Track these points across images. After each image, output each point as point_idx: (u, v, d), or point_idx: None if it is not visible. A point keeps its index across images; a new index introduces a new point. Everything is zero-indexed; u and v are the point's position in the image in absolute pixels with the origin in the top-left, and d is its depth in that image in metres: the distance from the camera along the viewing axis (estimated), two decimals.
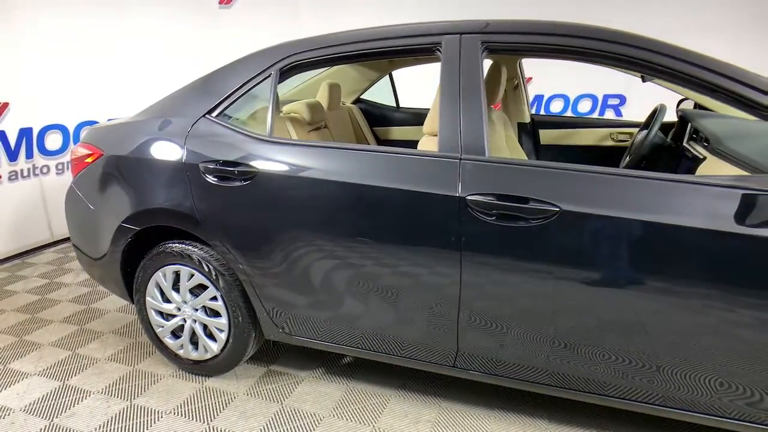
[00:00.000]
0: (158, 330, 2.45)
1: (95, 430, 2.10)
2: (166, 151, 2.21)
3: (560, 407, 2.15)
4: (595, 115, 5.83)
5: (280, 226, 2.02)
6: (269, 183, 2.02)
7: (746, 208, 1.49)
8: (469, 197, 1.73)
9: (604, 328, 1.69)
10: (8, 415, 2.20)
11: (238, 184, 2.06)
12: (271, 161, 2.03)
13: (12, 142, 3.87)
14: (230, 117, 2.21)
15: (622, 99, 5.69)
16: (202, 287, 2.29)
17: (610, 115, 5.76)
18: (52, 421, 2.16)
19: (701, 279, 1.54)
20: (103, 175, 2.37)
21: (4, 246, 3.92)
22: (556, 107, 6.00)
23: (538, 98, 6.06)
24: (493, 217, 1.71)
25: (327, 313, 2.09)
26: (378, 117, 3.64)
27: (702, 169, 2.04)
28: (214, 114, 2.20)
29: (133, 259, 2.42)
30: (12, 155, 3.87)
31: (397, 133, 3.58)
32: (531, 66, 5.81)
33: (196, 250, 2.24)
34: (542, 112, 6.03)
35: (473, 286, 1.79)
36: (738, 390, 1.61)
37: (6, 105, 3.81)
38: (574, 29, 1.77)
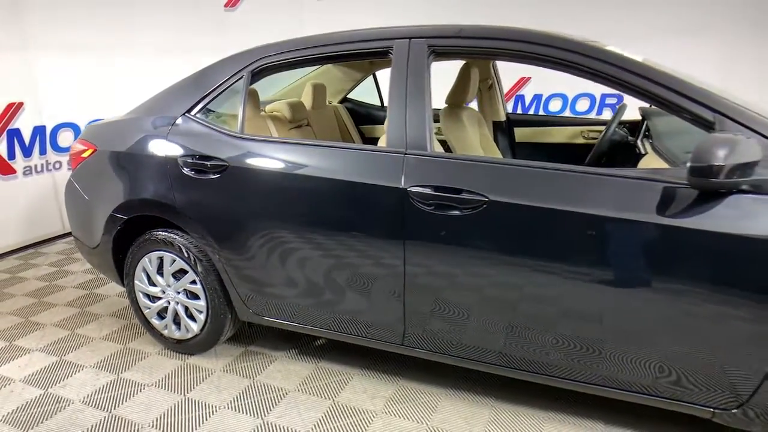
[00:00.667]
0: (146, 311, 2.66)
1: (84, 398, 2.32)
2: (151, 146, 2.42)
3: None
4: (593, 115, 5.90)
5: (247, 215, 2.21)
6: (238, 176, 2.21)
7: (656, 199, 1.62)
8: (410, 188, 1.89)
9: (530, 308, 1.83)
10: (8, 384, 2.44)
11: (211, 177, 2.26)
12: (241, 156, 2.22)
13: (26, 139, 4.15)
14: (207, 115, 2.40)
15: (619, 98, 5.75)
16: (183, 272, 2.50)
17: (607, 114, 5.83)
18: (46, 390, 2.39)
19: (610, 264, 1.68)
20: (97, 168, 2.60)
21: (20, 236, 4.21)
22: (555, 106, 6.08)
23: (537, 98, 6.15)
24: (432, 207, 1.87)
25: (290, 295, 2.27)
26: (364, 116, 3.81)
27: (642, 163, 2.16)
28: (193, 112, 2.41)
29: (124, 246, 2.63)
30: (26, 151, 4.16)
31: (382, 130, 3.74)
32: (530, 66, 5.92)
33: (177, 237, 2.45)
34: (541, 112, 6.12)
35: (415, 271, 1.95)
36: (663, 370, 1.74)
37: (21, 105, 4.09)
38: (506, 33, 1.92)
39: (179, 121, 2.41)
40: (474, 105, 3.40)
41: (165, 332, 2.65)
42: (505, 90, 6.08)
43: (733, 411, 1.70)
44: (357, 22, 5.51)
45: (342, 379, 2.42)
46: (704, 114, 1.63)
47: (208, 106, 2.40)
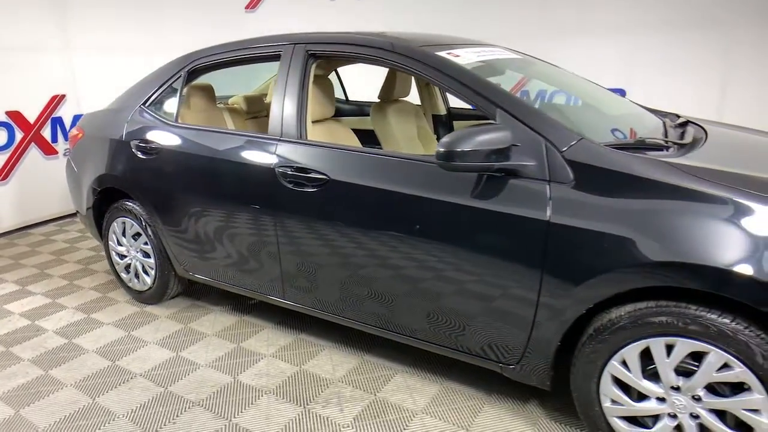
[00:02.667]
0: (117, 267, 3.27)
1: (55, 329, 2.95)
2: (115, 132, 2.99)
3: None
4: None
5: (172, 189, 2.73)
6: (167, 157, 2.73)
7: (441, 180, 1.93)
8: (277, 169, 2.31)
9: (364, 272, 2.19)
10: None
11: (151, 157, 2.79)
12: (170, 141, 2.73)
13: (67, 125, 4.96)
14: (154, 107, 2.94)
15: (622, 93, 5.74)
16: (139, 235, 3.06)
17: None
18: (34, 322, 3.05)
19: (406, 232, 2.02)
20: (84, 149, 3.23)
21: (59, 208, 5.03)
22: (559, 102, 6.15)
23: (542, 93, 6.24)
24: (292, 184, 2.27)
25: (204, 256, 2.76)
26: None
27: None
28: (146, 105, 2.95)
29: (102, 212, 3.24)
30: (67, 136, 4.96)
31: (346, 123, 4.13)
32: None
33: (135, 206, 3.01)
34: None
35: (284, 238, 2.37)
36: (459, 327, 2.04)
37: (63, 96, 4.90)
38: (354, 39, 2.28)
39: (135, 111, 2.97)
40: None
41: (130, 284, 3.24)
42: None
43: (511, 367, 1.98)
44: (369, 22, 5.89)
45: (253, 330, 2.87)
46: (488, 107, 1.91)
47: (155, 100, 2.94)
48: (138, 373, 2.51)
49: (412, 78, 3.27)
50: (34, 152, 4.78)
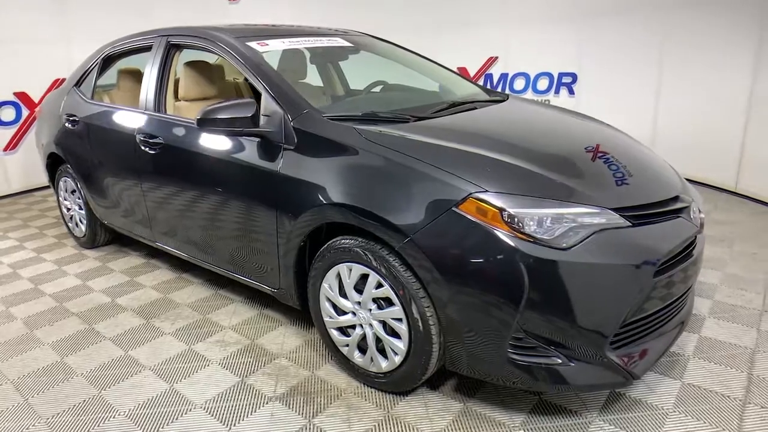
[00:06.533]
0: (65, 218, 4.05)
1: (9, 263, 3.75)
2: (56, 108, 3.74)
3: None
4: (551, 93, 6.15)
5: (86, 154, 3.43)
6: (82, 127, 3.43)
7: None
8: (137, 135, 2.94)
9: (182, 215, 2.80)
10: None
11: (73, 128, 3.50)
12: (85, 114, 3.43)
13: None
14: (81, 87, 3.65)
15: (574, 77, 5.95)
16: (74, 191, 3.81)
17: (564, 92, 6.05)
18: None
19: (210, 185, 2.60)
20: (40, 122, 4.01)
21: None
22: (519, 85, 6.43)
23: (504, 76, 6.53)
24: (146, 147, 2.89)
25: (105, 206, 3.45)
26: None
27: None
28: (78, 86, 3.67)
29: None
30: None
31: None
32: (497, 47, 6.36)
33: (68, 168, 3.74)
34: (507, 90, 6.49)
35: (145, 190, 3.00)
36: (245, 258, 2.59)
37: (64, 80, 5.76)
38: (192, 32, 2.87)
39: (71, 91, 3.69)
40: None
41: (74, 232, 4.01)
42: (474, 70, 6.62)
43: (276, 290, 2.51)
44: (361, 13, 6.35)
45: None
46: (257, 84, 2.43)
47: (80, 81, 3.64)
48: (72, 310, 3.23)
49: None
50: None
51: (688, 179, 2.55)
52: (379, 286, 2.02)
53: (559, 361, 1.79)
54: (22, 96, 5.53)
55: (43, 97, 5.55)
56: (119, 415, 2.12)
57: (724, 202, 4.52)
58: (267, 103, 2.35)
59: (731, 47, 4.51)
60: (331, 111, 2.38)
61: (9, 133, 5.49)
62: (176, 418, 2.08)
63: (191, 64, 3.12)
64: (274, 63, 3.23)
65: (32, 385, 2.33)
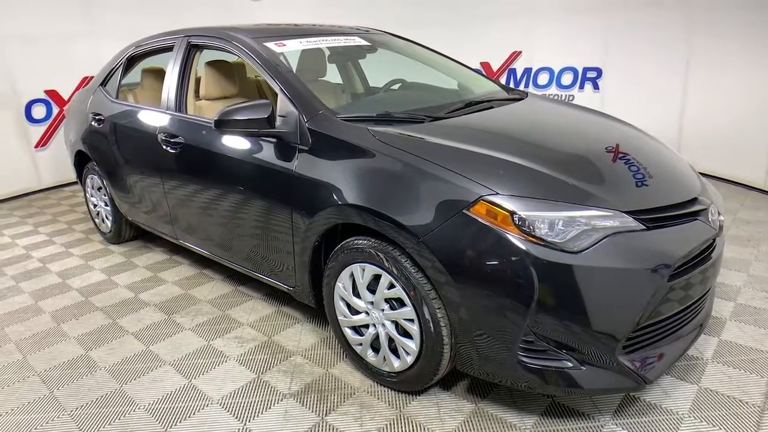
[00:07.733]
0: (92, 214, 4.17)
1: (39, 258, 3.88)
2: (82, 106, 3.84)
3: None
4: (575, 88, 6.05)
5: (113, 152, 3.51)
6: (107, 126, 3.51)
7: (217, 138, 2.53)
8: (158, 135, 3.00)
9: (204, 213, 2.85)
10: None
11: (100, 126, 3.59)
12: (110, 113, 3.52)
13: None
14: (106, 87, 3.74)
15: (599, 71, 5.84)
16: (100, 189, 3.91)
17: (588, 87, 5.95)
18: (28, 252, 4.01)
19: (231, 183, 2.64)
20: (68, 120, 4.13)
21: None
22: (543, 79, 6.34)
23: (527, 71, 6.45)
24: (167, 146, 2.96)
25: (131, 202, 3.53)
26: None
27: None
28: (103, 85, 3.76)
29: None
30: None
31: None
32: (520, 41, 6.29)
33: (94, 165, 3.84)
34: (531, 86, 6.42)
35: (167, 187, 3.07)
36: (265, 258, 2.63)
37: (92, 78, 5.91)
38: (211, 32, 2.92)
39: (98, 90, 3.79)
40: None
41: (101, 228, 4.12)
42: (497, 65, 6.56)
43: (293, 288, 2.55)
44: (374, 11, 6.35)
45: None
46: (274, 85, 2.46)
47: (108, 81, 3.73)
48: (97, 304, 3.34)
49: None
50: None
51: (715, 177, 2.51)
52: (391, 286, 2.03)
53: (570, 364, 1.78)
54: (53, 94, 5.68)
55: (72, 94, 5.70)
56: (139, 409, 2.18)
57: (752, 200, 4.39)
58: (283, 103, 2.38)
59: (761, 43, 4.37)
60: (346, 111, 2.40)
61: (40, 130, 5.66)
62: (193, 414, 2.14)
63: (212, 64, 3.17)
64: (293, 61, 3.27)
65: (58, 378, 2.42)
